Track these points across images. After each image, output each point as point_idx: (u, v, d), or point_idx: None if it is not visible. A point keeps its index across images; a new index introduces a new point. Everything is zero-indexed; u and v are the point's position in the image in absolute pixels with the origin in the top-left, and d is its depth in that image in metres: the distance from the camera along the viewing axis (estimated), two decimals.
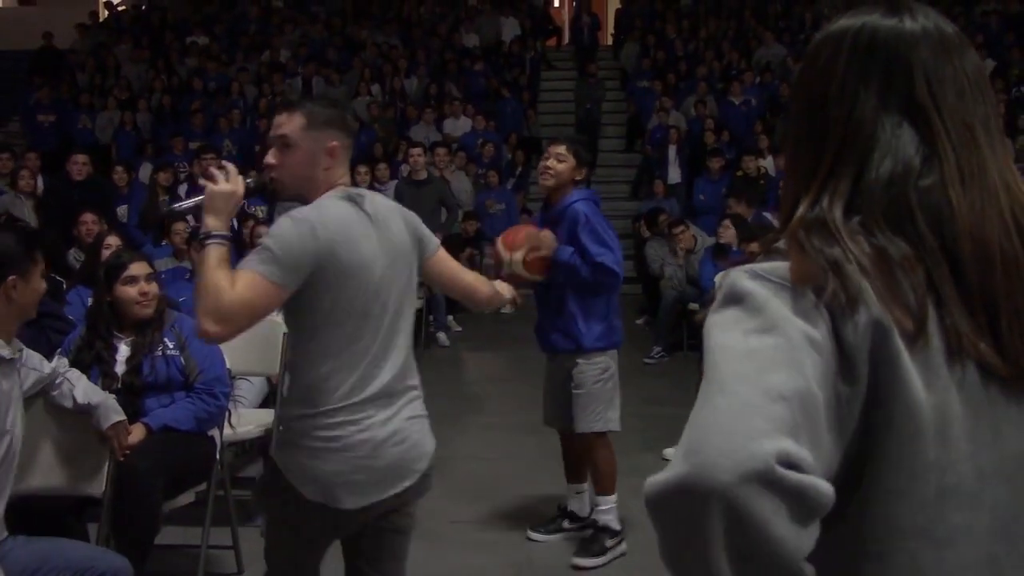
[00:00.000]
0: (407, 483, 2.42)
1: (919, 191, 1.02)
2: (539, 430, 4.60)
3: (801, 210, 1.05)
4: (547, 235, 3.89)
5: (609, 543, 4.10)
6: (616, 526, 4.13)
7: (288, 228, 2.25)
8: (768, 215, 8.01)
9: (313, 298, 2.29)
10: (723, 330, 0.97)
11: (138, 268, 3.55)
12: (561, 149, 4.04)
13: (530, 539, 4.29)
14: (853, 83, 1.07)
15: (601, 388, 4.05)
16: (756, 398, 0.89)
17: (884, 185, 1.03)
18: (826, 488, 0.86)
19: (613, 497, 4.13)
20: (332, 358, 2.33)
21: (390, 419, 2.38)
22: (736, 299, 0.98)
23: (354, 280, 2.31)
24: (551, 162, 4.02)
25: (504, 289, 2.91)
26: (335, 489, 2.33)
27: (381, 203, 2.48)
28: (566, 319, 4.01)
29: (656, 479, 0.89)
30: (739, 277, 0.99)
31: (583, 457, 4.29)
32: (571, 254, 3.88)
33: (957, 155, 1.03)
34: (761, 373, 0.90)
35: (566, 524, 4.34)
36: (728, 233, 7.11)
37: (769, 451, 0.84)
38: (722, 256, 7.09)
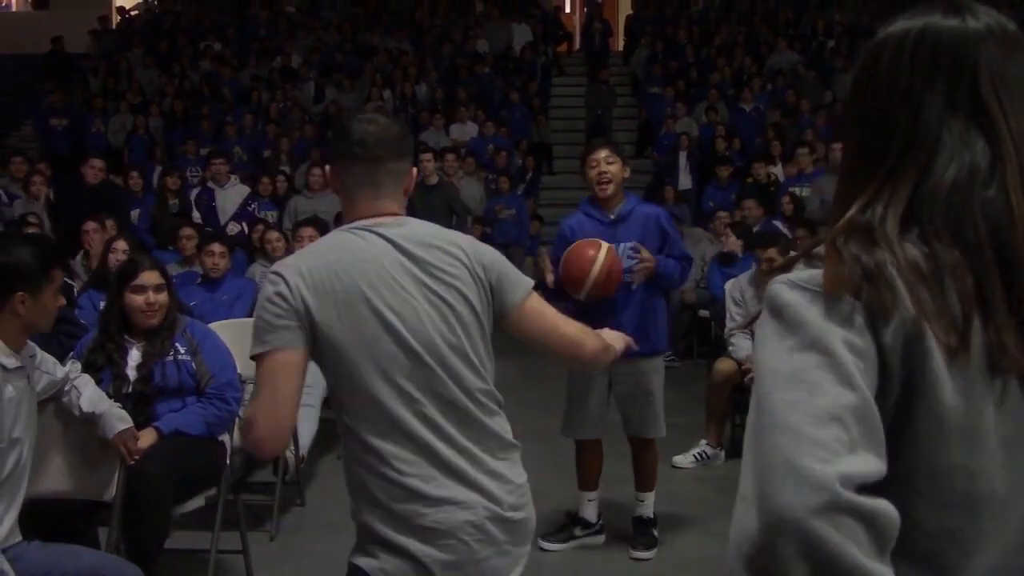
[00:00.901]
0: (515, 572, 2.05)
1: (983, 198, 0.99)
2: (547, 437, 4.59)
3: (850, 213, 1.04)
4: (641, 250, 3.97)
5: (655, 532, 4.28)
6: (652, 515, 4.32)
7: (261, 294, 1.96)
8: (778, 223, 7.97)
9: (324, 365, 1.95)
10: (767, 347, 0.98)
11: (148, 277, 3.55)
12: (607, 152, 4.06)
13: (542, 549, 4.28)
14: (919, 85, 1.04)
15: (662, 393, 4.16)
16: (807, 426, 0.89)
17: (947, 191, 1.00)
18: (893, 512, 0.87)
19: (653, 492, 4.31)
20: (368, 427, 1.92)
21: (473, 498, 1.95)
22: (776, 312, 0.99)
23: (355, 326, 1.91)
24: (604, 167, 4.03)
25: (614, 339, 2.32)
26: None
27: (414, 237, 2.00)
28: (647, 321, 4.03)
29: (740, 537, 0.91)
30: (779, 289, 1.00)
31: (598, 463, 4.32)
32: (672, 263, 4.01)
33: (1020, 159, 1.01)
34: (809, 397, 0.91)
35: (577, 532, 4.33)
36: (731, 241, 7.09)
37: (831, 477, 0.86)
38: (728, 263, 7.07)
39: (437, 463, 1.91)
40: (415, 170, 2.19)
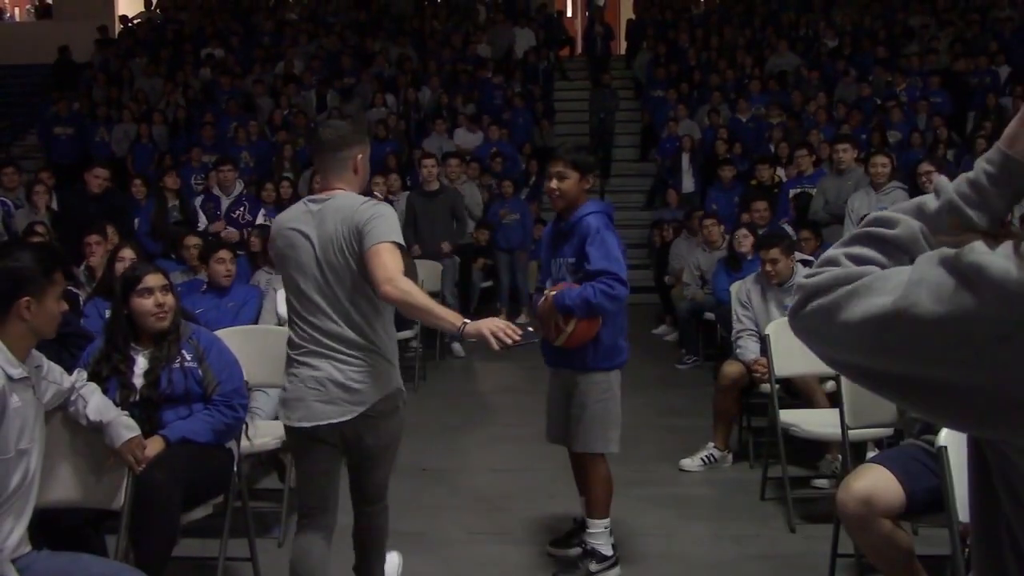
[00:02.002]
0: (343, 418, 3.10)
1: None
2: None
3: None
4: (546, 303, 3.83)
5: (595, 568, 3.95)
6: (606, 552, 3.97)
7: None
8: (786, 225, 7.96)
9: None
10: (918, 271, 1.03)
11: (153, 280, 3.55)
12: (559, 167, 3.91)
13: (551, 555, 4.26)
14: None
15: (601, 408, 3.92)
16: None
17: None
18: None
19: (604, 521, 3.98)
20: (289, 316, 3.24)
21: (323, 368, 3.10)
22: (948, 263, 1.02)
23: (287, 260, 3.18)
24: (554, 183, 3.91)
25: (480, 324, 3.00)
26: (284, 410, 3.21)
27: (331, 205, 3.14)
28: None
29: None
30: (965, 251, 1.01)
31: (579, 469, 4.22)
32: (575, 295, 3.74)
33: None
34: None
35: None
36: (747, 242, 7.07)
37: None
38: (735, 266, 7.05)
39: (309, 345, 3.14)
40: (360, 156, 3.25)
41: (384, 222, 3.07)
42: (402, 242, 3.12)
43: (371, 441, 3.16)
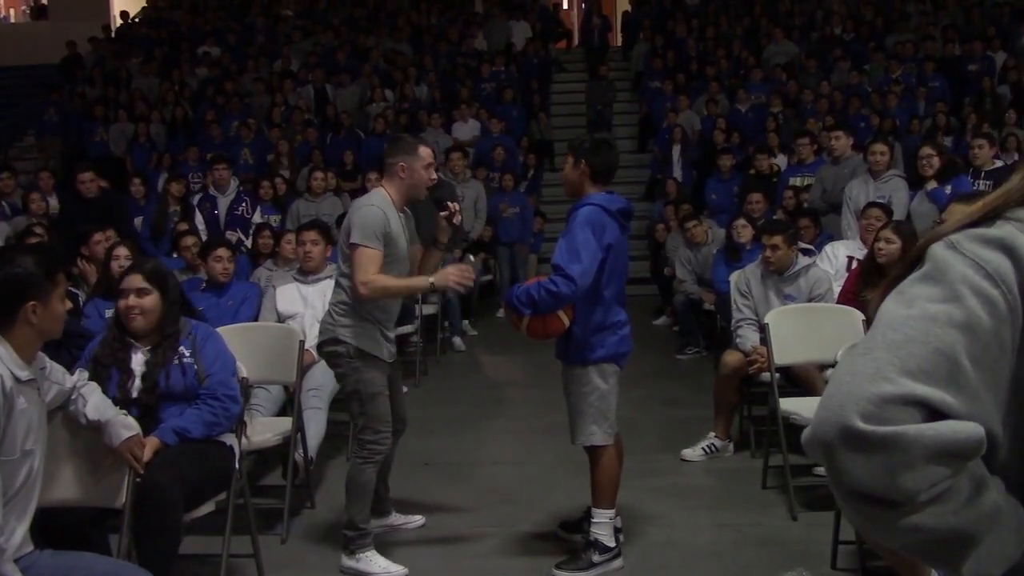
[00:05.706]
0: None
1: None
2: (557, 433, 4.59)
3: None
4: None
5: (597, 559, 3.91)
6: (608, 543, 3.94)
7: None
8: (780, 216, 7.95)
9: None
10: (895, 296, 1.03)
11: (130, 282, 3.57)
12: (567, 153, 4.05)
13: (558, 537, 4.27)
14: None
15: (579, 401, 3.92)
16: (884, 356, 0.96)
17: None
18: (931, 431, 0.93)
19: (608, 513, 3.96)
20: None
21: None
22: (924, 269, 1.04)
23: None
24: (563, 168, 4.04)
25: (441, 275, 3.87)
26: None
27: (361, 199, 4.01)
28: (565, 332, 3.93)
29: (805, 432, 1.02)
30: (936, 247, 1.04)
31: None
32: (522, 291, 3.78)
33: None
34: (907, 343, 0.97)
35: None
36: (746, 232, 7.06)
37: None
38: (734, 257, 7.05)
39: None
40: (401, 165, 3.93)
41: (360, 225, 3.74)
42: (372, 245, 3.72)
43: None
